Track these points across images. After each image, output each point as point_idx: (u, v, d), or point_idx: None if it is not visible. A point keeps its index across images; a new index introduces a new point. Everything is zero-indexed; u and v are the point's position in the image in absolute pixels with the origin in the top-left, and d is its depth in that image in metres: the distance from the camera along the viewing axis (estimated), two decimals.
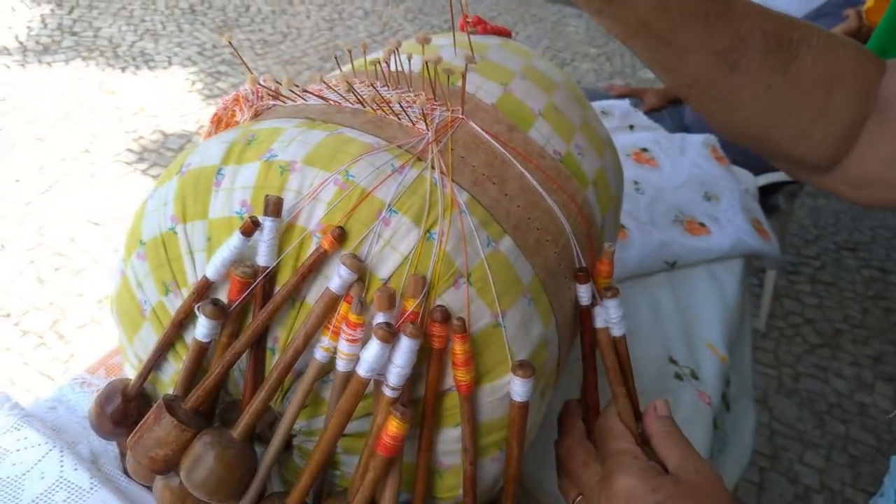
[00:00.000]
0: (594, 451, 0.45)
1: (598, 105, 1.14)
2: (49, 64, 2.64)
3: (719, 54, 0.42)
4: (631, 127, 1.12)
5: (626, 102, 1.18)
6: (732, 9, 0.42)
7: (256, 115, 0.52)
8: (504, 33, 0.63)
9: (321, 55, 3.01)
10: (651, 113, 1.77)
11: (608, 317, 0.47)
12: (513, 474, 0.41)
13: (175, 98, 2.54)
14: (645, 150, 1.05)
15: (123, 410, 0.43)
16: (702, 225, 0.94)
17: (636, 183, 0.98)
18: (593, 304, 0.47)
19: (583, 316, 0.47)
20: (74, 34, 2.86)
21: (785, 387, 1.73)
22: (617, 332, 0.47)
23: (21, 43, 2.74)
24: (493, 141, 0.46)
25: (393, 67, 0.50)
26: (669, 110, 1.80)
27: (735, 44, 0.42)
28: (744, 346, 0.87)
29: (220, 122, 0.54)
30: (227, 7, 3.30)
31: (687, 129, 1.73)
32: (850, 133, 0.46)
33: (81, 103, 2.43)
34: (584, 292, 0.46)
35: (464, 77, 0.46)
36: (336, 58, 0.52)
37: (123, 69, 2.68)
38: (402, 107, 0.45)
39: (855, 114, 0.46)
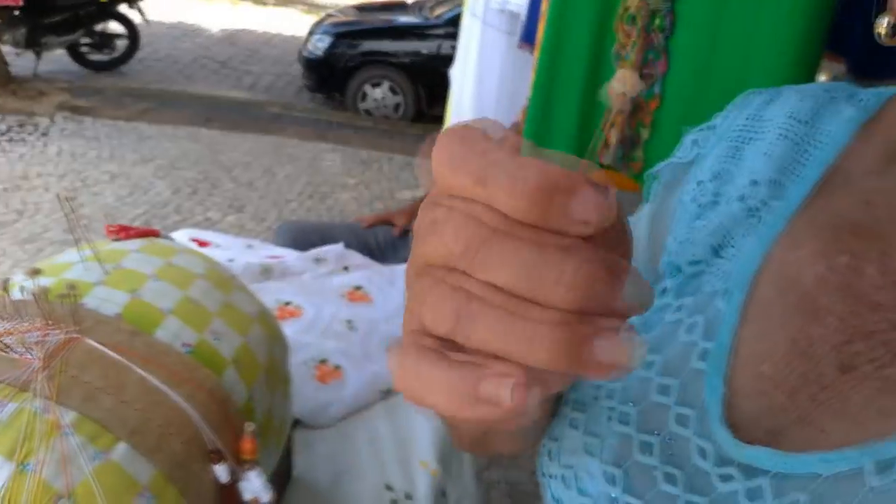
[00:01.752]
0: None
1: (312, 253, 1.24)
2: None
3: None
4: (346, 268, 1.23)
5: (339, 246, 1.28)
6: None
7: None
8: (151, 234, 0.68)
9: (65, 227, 2.84)
10: (404, 233, 1.92)
11: (253, 488, 0.52)
12: None
13: None
14: (358, 287, 1.16)
15: None
16: None
17: (349, 322, 1.07)
18: (236, 480, 0.51)
19: (225, 493, 0.51)
20: None
21: None
22: (265, 499, 0.52)
23: None
24: (110, 353, 0.50)
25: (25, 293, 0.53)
26: None
27: None
28: (462, 453, 0.96)
29: None
30: None
31: None
32: None
33: None
34: (220, 472, 0.50)
35: (74, 300, 0.50)
36: None
37: None
38: (4, 342, 0.47)
39: None
